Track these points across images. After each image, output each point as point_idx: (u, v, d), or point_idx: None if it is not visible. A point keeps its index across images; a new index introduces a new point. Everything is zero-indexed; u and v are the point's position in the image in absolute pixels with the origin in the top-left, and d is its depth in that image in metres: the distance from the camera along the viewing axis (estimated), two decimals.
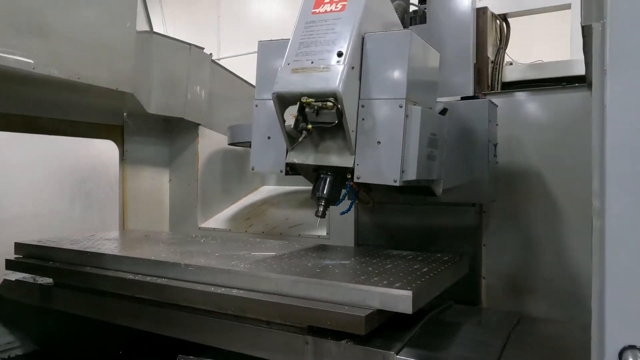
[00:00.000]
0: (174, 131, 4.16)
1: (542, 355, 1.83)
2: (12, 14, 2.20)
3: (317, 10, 2.01)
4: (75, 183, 3.92)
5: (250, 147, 4.15)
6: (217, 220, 4.16)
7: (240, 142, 3.78)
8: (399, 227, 2.93)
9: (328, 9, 1.99)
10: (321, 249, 2.66)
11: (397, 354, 1.65)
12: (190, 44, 3.79)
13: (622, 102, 0.81)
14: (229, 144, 3.85)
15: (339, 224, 3.15)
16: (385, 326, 1.76)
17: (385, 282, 1.77)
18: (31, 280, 2.61)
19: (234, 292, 1.92)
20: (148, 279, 2.13)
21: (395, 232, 2.94)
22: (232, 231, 3.84)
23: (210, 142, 4.19)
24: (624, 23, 0.80)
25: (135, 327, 2.18)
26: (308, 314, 1.74)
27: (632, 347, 0.81)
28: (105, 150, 3.90)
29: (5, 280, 2.71)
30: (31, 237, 2.83)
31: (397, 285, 1.72)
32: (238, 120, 4.20)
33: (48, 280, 2.56)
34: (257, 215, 4.09)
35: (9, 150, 3.36)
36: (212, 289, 1.97)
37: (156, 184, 4.11)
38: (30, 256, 2.62)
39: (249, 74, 4.35)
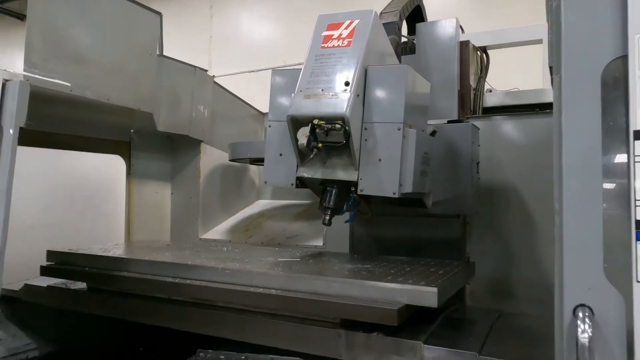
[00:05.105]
0: (177, 147, 4.37)
1: (521, 339, 2.12)
2: (54, 43, 2.45)
3: (326, 45, 2.30)
4: (78, 194, 4.09)
5: (249, 163, 4.43)
6: (217, 232, 4.37)
7: (241, 159, 4.04)
8: (391, 238, 3.15)
9: (336, 44, 2.28)
10: (342, 255, 2.89)
11: (424, 343, 1.88)
12: (195, 67, 4.06)
13: (573, 136, 1.15)
14: (230, 160, 4.08)
15: (335, 235, 3.37)
16: (407, 323, 1.96)
17: (410, 281, 2.00)
18: (63, 286, 2.78)
19: (273, 291, 2.10)
20: (187, 281, 2.31)
21: (387, 242, 3.16)
22: (232, 242, 4.06)
23: (211, 158, 4.41)
24: (573, 78, 1.13)
25: (173, 327, 2.34)
26: (343, 308, 1.94)
27: (582, 305, 1.12)
28: (102, 164, 4.07)
29: (27, 285, 2.89)
30: (45, 246, 3.00)
31: (422, 283, 1.95)
32: (235, 137, 4.46)
33: (81, 286, 2.74)
34: (255, 227, 4.32)
35: (23, 164, 3.54)
36: (252, 289, 2.16)
37: (159, 197, 4.31)
38: (62, 263, 2.78)
39: (240, 92, 4.65)
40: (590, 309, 1.12)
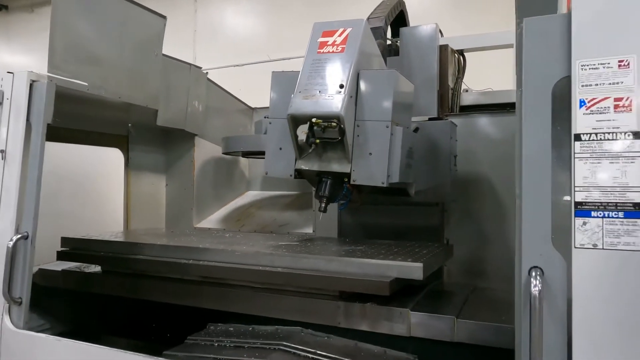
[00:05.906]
0: (172, 141, 4.57)
1: (491, 307, 2.46)
2: (73, 47, 2.66)
3: (322, 51, 2.56)
4: (80, 185, 4.25)
5: (241, 156, 4.65)
6: (210, 221, 4.60)
7: (234, 152, 4.26)
8: (375, 225, 3.44)
9: (330, 50, 2.55)
10: (335, 240, 3.20)
11: (411, 310, 2.20)
12: (190, 64, 4.27)
13: (531, 136, 1.48)
14: (223, 153, 4.31)
15: (324, 223, 3.61)
16: (395, 295, 2.27)
17: (399, 258, 2.30)
18: (77, 270, 3.00)
19: (279, 269, 2.39)
20: (201, 262, 2.57)
21: (372, 229, 3.46)
22: (226, 230, 4.31)
23: (204, 150, 4.62)
24: (530, 91, 1.46)
25: (185, 304, 2.60)
26: (342, 282, 2.24)
27: (535, 267, 1.47)
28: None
29: (41, 269, 3.09)
30: (55, 233, 3.19)
31: (409, 260, 2.26)
32: (226, 131, 4.67)
33: (95, 269, 2.95)
34: (246, 217, 4.56)
35: None
36: (260, 268, 2.44)
37: (154, 188, 4.52)
38: (76, 249, 2.99)
39: (225, 86, 4.86)
40: (541, 270, 1.45)
